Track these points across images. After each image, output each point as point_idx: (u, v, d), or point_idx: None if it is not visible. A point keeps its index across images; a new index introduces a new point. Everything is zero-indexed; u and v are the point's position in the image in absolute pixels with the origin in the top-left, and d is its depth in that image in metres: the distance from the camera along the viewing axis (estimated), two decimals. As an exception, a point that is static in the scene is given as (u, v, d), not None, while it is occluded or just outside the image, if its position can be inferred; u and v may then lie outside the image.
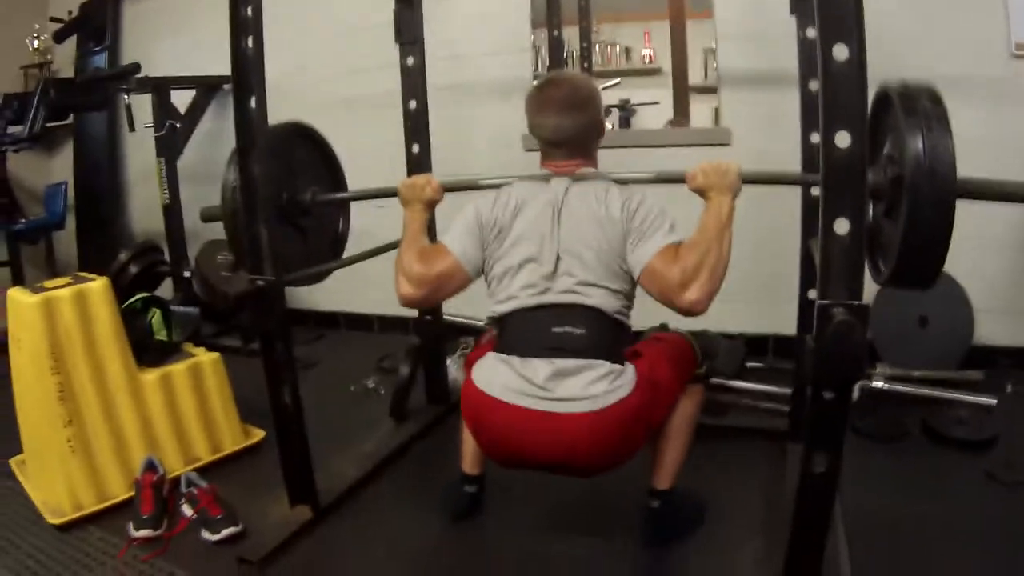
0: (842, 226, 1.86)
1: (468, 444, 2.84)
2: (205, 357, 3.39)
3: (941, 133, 1.91)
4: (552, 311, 2.36)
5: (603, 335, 2.35)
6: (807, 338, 1.92)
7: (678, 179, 2.36)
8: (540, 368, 2.29)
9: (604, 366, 2.29)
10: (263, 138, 2.54)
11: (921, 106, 1.95)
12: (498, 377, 2.36)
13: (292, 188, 2.90)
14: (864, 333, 1.86)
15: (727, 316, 4.23)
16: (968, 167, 3.72)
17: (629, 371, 2.33)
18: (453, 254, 2.48)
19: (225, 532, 2.72)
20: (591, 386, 2.25)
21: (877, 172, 2.09)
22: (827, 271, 1.89)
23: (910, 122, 1.93)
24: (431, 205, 2.69)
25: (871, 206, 2.24)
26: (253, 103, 2.51)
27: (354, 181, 3.28)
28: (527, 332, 2.38)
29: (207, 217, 2.96)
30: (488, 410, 2.37)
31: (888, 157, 2.12)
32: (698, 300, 2.19)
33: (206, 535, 2.75)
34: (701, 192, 2.30)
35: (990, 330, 4.04)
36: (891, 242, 2.08)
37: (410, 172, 3.42)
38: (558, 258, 2.36)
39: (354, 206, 3.31)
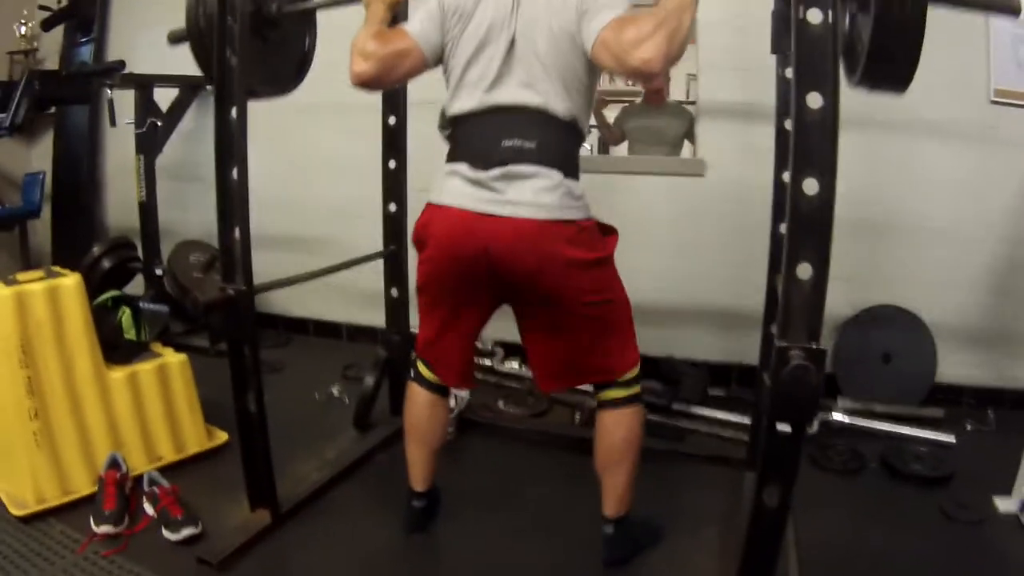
0: (805, 271, 1.88)
1: (412, 460, 2.86)
2: (173, 358, 3.39)
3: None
4: (504, 119, 2.34)
5: (556, 145, 2.33)
6: (764, 375, 1.95)
7: None
8: (492, 172, 2.29)
9: (556, 175, 2.29)
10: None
11: None
12: (449, 189, 2.37)
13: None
14: (820, 376, 1.89)
15: (692, 343, 4.29)
16: (947, 207, 3.79)
17: (585, 202, 2.36)
18: (411, 34, 2.44)
19: (185, 533, 2.74)
20: (541, 194, 2.26)
21: None
22: (787, 313, 1.91)
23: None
24: (394, 6, 2.61)
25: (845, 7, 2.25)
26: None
27: (322, 192, 3.28)
28: (477, 144, 2.36)
29: (175, 38, 2.92)
30: (439, 218, 2.39)
31: None
32: (651, 57, 2.04)
33: (166, 534, 2.76)
34: None
35: (953, 369, 4.10)
36: (865, 39, 2.07)
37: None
38: (513, 42, 2.33)
39: (332, 220, 3.30)
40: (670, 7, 2.09)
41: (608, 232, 2.47)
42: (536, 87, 2.32)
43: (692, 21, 2.12)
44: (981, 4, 2.17)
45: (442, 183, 2.41)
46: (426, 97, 3.06)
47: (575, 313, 2.42)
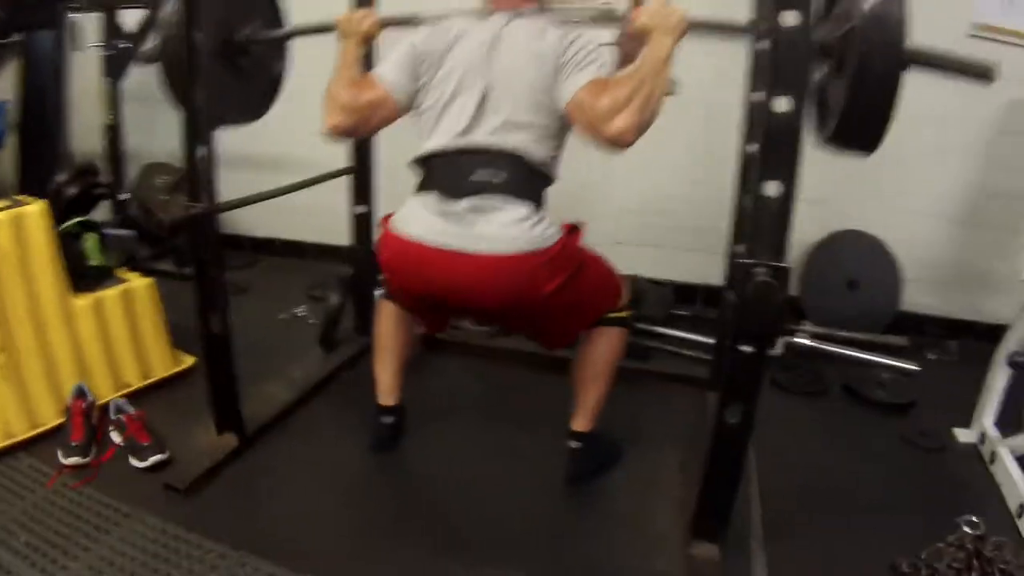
0: (773, 188, 1.89)
1: (382, 375, 2.89)
2: (138, 282, 3.35)
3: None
4: (475, 156, 2.33)
5: (525, 182, 2.33)
6: (728, 293, 1.96)
7: (623, 20, 2.32)
8: (459, 202, 2.29)
9: (524, 208, 2.29)
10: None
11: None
12: (416, 218, 2.36)
13: (229, 25, 2.83)
14: (784, 293, 1.90)
15: (658, 263, 4.31)
16: (919, 137, 3.78)
17: (553, 229, 2.33)
18: (384, 83, 2.45)
19: (152, 459, 2.74)
20: (509, 227, 2.26)
21: (828, 29, 2.10)
22: (754, 231, 1.93)
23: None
24: (367, 39, 2.62)
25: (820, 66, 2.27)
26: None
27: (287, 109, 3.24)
28: (448, 176, 2.35)
29: (148, 58, 2.89)
30: (404, 252, 2.38)
31: (838, 16, 2.12)
32: (625, 130, 2.10)
33: (134, 462, 2.76)
34: (643, 33, 2.20)
35: (918, 299, 4.16)
36: (838, 100, 2.09)
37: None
38: (488, 89, 2.34)
39: (297, 138, 3.27)
40: (645, 71, 2.12)
41: (573, 231, 2.46)
42: (509, 135, 2.32)
43: (665, 82, 2.15)
44: (955, 69, 2.18)
45: (409, 211, 2.40)
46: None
47: (559, 316, 2.49)
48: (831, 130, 2.14)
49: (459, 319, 2.54)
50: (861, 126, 2.08)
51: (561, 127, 2.39)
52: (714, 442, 2.14)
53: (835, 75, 2.15)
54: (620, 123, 2.10)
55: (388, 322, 2.85)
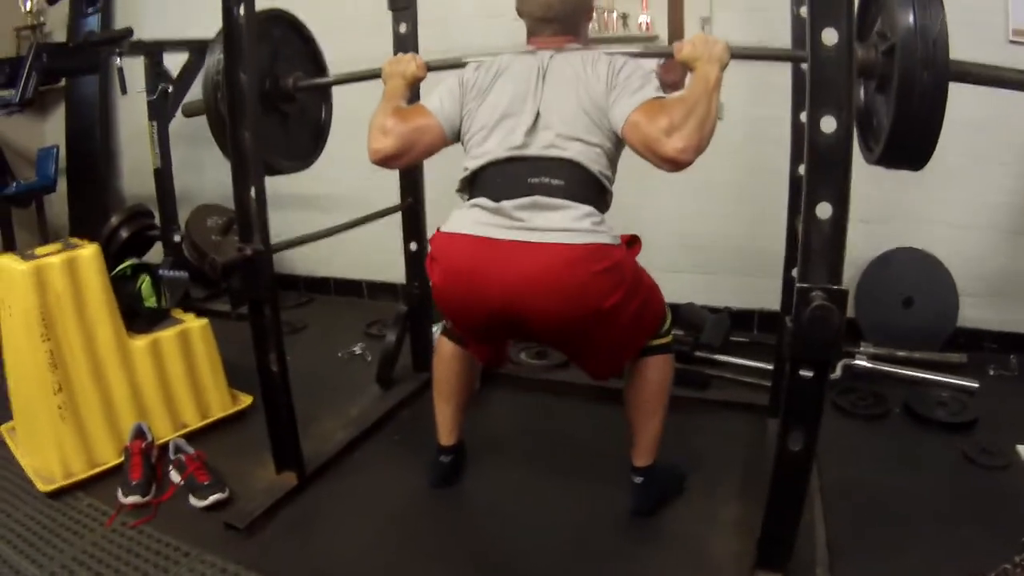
0: (824, 210, 1.87)
1: (441, 415, 2.87)
2: (194, 323, 3.39)
3: (933, 4, 1.92)
4: (529, 163, 2.28)
5: (584, 187, 2.26)
6: (786, 318, 1.94)
7: (667, 53, 2.34)
8: (516, 201, 2.21)
9: (586, 207, 2.21)
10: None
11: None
12: (467, 217, 2.28)
13: (274, 74, 2.91)
14: (842, 317, 1.88)
15: (714, 290, 4.28)
16: (966, 148, 3.74)
17: (615, 232, 2.25)
18: (431, 111, 2.45)
19: (212, 499, 2.75)
20: (575, 221, 2.16)
21: (868, 49, 2.09)
22: (808, 254, 1.91)
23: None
24: (414, 82, 2.64)
25: (862, 85, 2.27)
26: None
27: (337, 148, 3.28)
28: (500, 181, 2.29)
29: (190, 111, 2.95)
30: (452, 247, 2.29)
31: (879, 34, 2.11)
32: (684, 148, 2.06)
33: (194, 501, 2.77)
34: (689, 63, 2.21)
35: (975, 314, 4.06)
36: (882, 119, 2.08)
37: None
38: (540, 112, 2.31)
39: (348, 177, 3.30)
40: (697, 93, 2.12)
41: (632, 243, 2.42)
42: (567, 144, 2.28)
43: (718, 106, 2.13)
44: (999, 80, 2.17)
45: (461, 213, 2.33)
46: (438, 47, 3.04)
47: (613, 336, 2.38)
48: (880, 149, 2.13)
49: (512, 340, 2.43)
50: (910, 143, 2.08)
51: (615, 148, 2.35)
52: (776, 469, 2.10)
53: (878, 93, 2.15)
54: (679, 142, 2.06)
55: (446, 363, 2.82)
